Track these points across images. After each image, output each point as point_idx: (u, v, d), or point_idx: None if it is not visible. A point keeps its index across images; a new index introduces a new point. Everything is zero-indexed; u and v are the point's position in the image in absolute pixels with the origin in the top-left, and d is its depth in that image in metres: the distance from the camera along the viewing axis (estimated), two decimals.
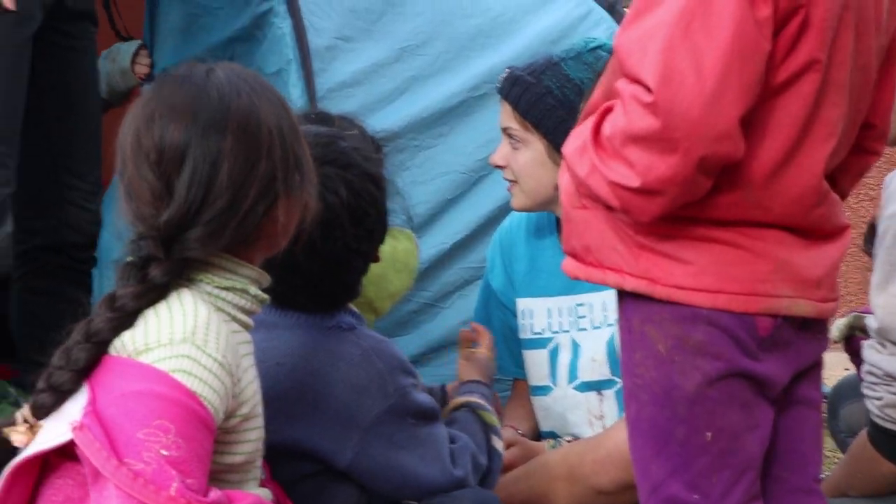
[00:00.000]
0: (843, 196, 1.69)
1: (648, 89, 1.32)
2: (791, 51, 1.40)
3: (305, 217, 1.50)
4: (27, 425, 1.40)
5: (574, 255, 1.56)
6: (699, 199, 1.41)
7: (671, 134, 1.33)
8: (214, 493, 1.34)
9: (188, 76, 1.42)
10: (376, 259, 1.84)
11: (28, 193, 2.57)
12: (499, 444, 1.96)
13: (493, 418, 1.94)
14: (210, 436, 1.37)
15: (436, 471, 1.78)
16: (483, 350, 2.14)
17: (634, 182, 1.37)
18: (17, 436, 1.40)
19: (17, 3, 2.21)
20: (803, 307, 1.48)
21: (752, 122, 1.44)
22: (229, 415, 1.41)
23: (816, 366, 1.62)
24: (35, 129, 2.50)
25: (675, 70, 1.34)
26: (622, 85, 1.40)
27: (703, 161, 1.34)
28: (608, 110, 1.44)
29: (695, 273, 1.47)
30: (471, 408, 1.92)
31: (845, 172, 1.65)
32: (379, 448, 1.76)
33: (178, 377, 1.33)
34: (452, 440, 1.83)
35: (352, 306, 1.83)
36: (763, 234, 1.51)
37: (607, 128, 1.43)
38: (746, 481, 1.51)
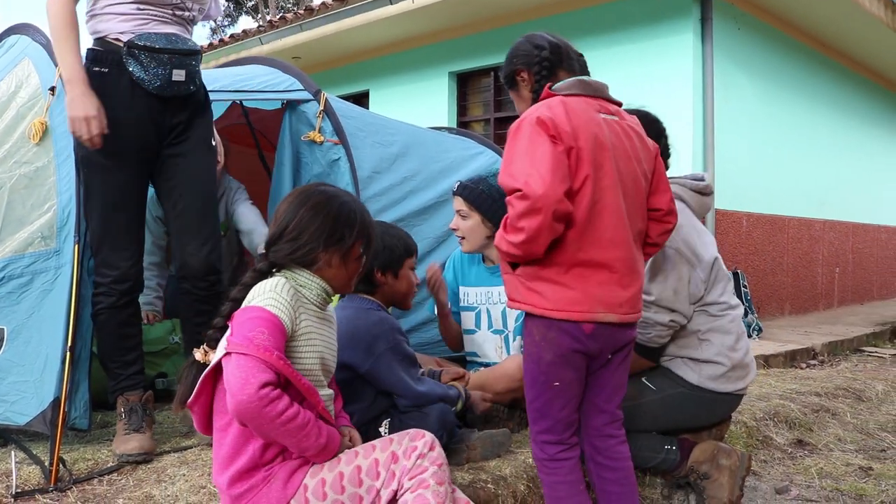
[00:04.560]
0: (657, 247, 2.30)
1: (520, 190, 1.98)
2: (577, 169, 2.05)
3: (353, 269, 2.14)
4: (204, 351, 2.00)
5: (508, 296, 2.21)
6: (556, 238, 2.00)
7: (534, 205, 1.95)
8: (284, 361, 1.85)
9: (308, 185, 2.18)
10: (388, 279, 2.67)
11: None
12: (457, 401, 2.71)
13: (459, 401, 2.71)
14: (282, 335, 1.91)
15: (408, 382, 2.53)
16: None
17: (523, 237, 2.00)
18: (198, 354, 2.01)
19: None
20: (611, 317, 2.09)
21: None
22: (292, 332, 1.97)
23: (628, 344, 2.22)
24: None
25: (530, 177, 1.97)
26: (508, 199, 2.04)
27: (555, 214, 1.96)
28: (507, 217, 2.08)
29: (550, 302, 2.08)
30: (458, 389, 2.74)
31: (654, 235, 2.27)
32: (381, 365, 2.51)
33: (268, 307, 1.92)
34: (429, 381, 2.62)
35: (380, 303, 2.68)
36: (588, 276, 2.07)
37: (506, 220, 2.07)
38: (571, 405, 2.17)
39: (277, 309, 1.92)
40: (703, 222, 2.91)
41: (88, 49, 2.82)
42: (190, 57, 2.89)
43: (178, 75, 2.83)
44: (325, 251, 2.05)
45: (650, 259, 2.53)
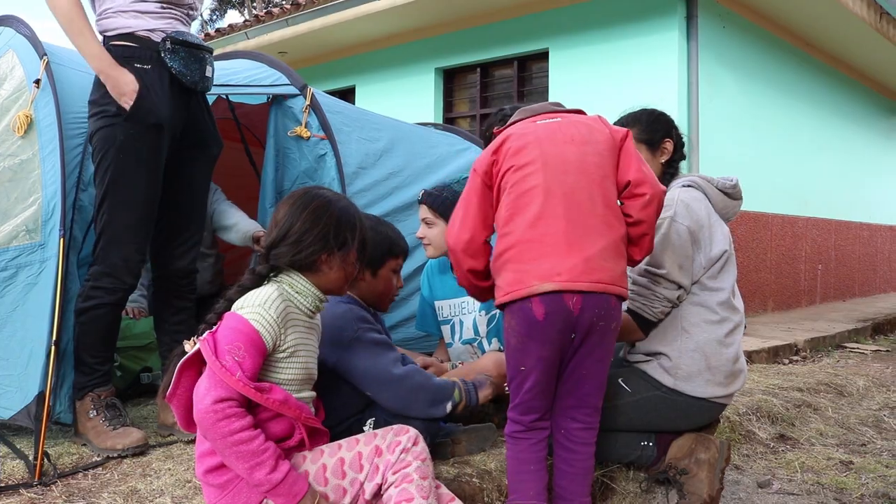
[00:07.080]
0: (646, 223, 2.29)
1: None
2: (500, 180, 2.30)
3: (350, 273, 2.14)
4: (192, 342, 1.96)
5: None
6: (481, 258, 2.33)
7: (451, 254, 2.39)
8: (260, 384, 1.89)
9: (306, 189, 2.17)
10: (365, 276, 2.61)
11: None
12: (448, 406, 2.52)
13: (459, 394, 2.54)
14: (260, 355, 1.91)
15: (379, 368, 2.44)
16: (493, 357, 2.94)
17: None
18: (188, 345, 1.98)
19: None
20: (547, 286, 2.15)
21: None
22: (275, 350, 1.97)
23: (595, 326, 2.19)
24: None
25: (452, 228, 2.35)
26: None
27: (465, 252, 2.34)
28: None
29: (502, 290, 2.26)
30: (457, 384, 2.57)
31: (636, 212, 2.29)
32: (349, 357, 2.45)
33: (252, 321, 1.91)
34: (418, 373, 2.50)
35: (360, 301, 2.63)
36: (522, 255, 2.19)
37: None
38: (535, 390, 2.27)
39: (260, 325, 1.90)
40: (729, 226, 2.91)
41: (116, 45, 2.84)
42: (212, 56, 3.02)
43: (209, 72, 2.95)
44: (328, 254, 2.06)
45: (660, 234, 2.57)
